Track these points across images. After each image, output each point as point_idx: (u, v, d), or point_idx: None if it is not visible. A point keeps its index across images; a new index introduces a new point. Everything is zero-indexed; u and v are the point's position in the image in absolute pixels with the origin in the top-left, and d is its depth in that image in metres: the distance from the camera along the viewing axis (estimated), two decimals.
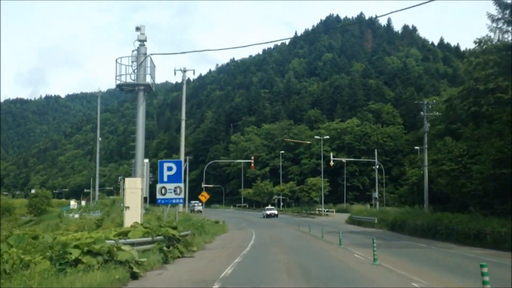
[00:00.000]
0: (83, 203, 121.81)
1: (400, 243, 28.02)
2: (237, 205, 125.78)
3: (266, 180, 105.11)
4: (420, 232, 33.38)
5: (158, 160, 30.34)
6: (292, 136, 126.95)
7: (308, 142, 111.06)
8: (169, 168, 28.62)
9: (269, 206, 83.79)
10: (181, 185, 28.21)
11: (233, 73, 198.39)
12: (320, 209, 73.41)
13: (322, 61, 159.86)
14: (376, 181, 64.13)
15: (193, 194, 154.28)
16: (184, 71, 42.56)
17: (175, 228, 19.68)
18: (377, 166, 63.59)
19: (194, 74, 42.71)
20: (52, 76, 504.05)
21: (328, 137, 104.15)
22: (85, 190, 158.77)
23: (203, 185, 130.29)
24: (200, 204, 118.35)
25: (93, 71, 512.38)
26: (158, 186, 28.24)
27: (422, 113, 46.48)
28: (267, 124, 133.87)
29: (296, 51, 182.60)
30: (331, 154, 63.99)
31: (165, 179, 28.36)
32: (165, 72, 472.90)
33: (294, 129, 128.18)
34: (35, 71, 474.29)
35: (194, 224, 32.10)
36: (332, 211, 74.82)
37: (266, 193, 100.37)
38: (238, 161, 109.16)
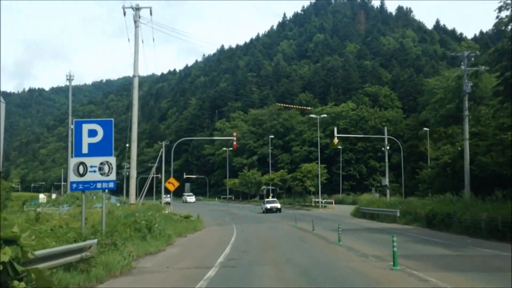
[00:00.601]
0: (54, 196, 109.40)
1: (490, 254, 15.93)
2: (222, 197, 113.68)
3: (253, 169, 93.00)
4: (486, 231, 21.49)
5: (74, 120, 17.91)
6: (282, 121, 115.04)
7: (309, 108, 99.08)
8: (92, 133, 16.53)
9: (270, 198, 68.26)
10: (112, 159, 16.11)
11: (219, 59, 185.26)
12: (317, 200, 61.42)
13: (313, 43, 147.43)
14: (387, 165, 52.34)
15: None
16: (137, 9, 30.16)
17: None
18: (388, 147, 51.61)
19: (151, 14, 29.71)
20: (38, 69, 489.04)
21: (325, 115, 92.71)
22: (57, 183, 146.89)
23: (186, 176, 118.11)
24: (191, 195, 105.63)
25: (79, 64, 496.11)
26: (73, 162, 16.25)
27: (462, 66, 34.48)
28: (254, 109, 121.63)
29: (285, 34, 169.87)
30: (335, 129, 51.40)
31: (85, 150, 16.29)
32: (153, 64, 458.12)
33: (284, 114, 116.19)
34: (21, 64, 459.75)
35: (137, 223, 19.94)
36: (331, 202, 62.97)
37: (253, 183, 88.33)
38: (217, 138, 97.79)
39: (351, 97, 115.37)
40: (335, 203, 65.05)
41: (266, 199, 65.15)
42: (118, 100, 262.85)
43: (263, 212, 54.74)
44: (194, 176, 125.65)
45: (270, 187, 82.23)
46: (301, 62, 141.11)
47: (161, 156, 69.91)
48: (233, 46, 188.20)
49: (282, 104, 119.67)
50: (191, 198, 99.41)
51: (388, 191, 49.97)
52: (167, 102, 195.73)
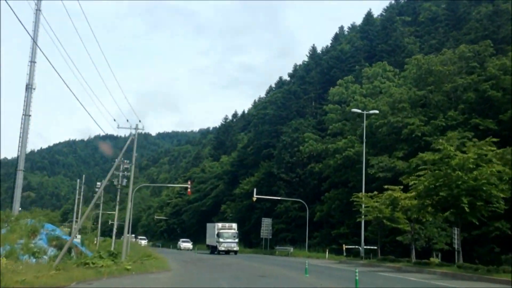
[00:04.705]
0: None
1: None
2: (347, 248, 46.04)
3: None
4: None
5: None
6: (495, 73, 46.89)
7: None
8: None
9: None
10: None
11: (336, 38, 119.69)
12: None
13: None
14: None
15: (244, 217, 72.96)
16: None
17: None
18: None
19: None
20: (149, 118, 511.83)
21: None
22: None
23: (254, 196, 53.54)
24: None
25: (186, 112, 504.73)
26: None
27: None
28: (428, 56, 54.67)
29: None
30: None
31: None
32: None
33: (495, 60, 48.53)
34: (133, 114, 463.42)
35: None
36: None
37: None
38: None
39: None
40: None
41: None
42: (215, 139, 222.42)
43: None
44: (278, 198, 60.05)
45: None
46: None
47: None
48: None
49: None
50: None
51: None
52: (255, 106, 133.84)
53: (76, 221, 59.04)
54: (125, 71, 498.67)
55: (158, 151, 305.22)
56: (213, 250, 57.05)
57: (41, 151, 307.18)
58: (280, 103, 77.26)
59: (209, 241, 61.36)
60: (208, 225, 64.11)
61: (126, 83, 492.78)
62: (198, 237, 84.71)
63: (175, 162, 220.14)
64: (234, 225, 58.71)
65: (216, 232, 56.39)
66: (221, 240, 54.94)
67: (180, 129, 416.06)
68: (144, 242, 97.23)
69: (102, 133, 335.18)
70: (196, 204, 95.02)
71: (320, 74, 78.02)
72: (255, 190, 56.40)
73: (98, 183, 79.37)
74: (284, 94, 78.66)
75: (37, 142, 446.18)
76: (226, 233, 55.92)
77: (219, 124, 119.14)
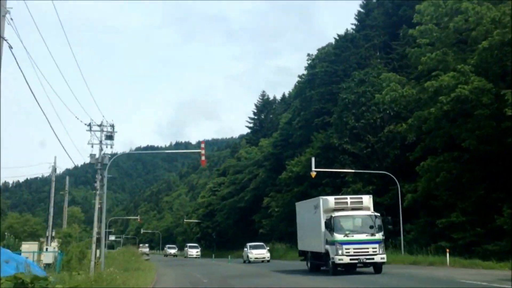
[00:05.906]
0: None
1: None
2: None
3: None
4: None
5: None
6: None
7: None
8: None
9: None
10: None
11: None
12: None
13: None
14: None
15: (294, 211, 54.58)
16: None
17: None
18: None
19: None
20: (189, 128, 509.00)
21: None
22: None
23: (313, 170, 34.11)
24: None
25: (226, 119, 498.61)
26: None
27: None
28: None
29: None
30: None
31: None
32: None
33: None
34: (173, 124, 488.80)
35: None
36: None
37: None
38: None
39: None
40: None
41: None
42: (252, 120, 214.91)
43: None
44: (335, 170, 40.83)
45: None
46: None
47: None
48: None
49: None
50: None
51: None
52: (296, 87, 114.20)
53: (55, 229, 41.78)
54: (163, 81, 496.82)
55: (199, 158, 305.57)
56: (316, 261, 26.14)
57: (84, 166, 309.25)
58: (334, 56, 57.84)
59: (304, 243, 28.71)
60: (299, 204, 31.38)
61: (165, 94, 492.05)
62: (237, 243, 66.65)
63: (215, 167, 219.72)
64: (366, 199, 24.92)
65: (322, 220, 24.08)
66: (338, 238, 22.64)
67: (220, 136, 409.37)
68: (195, 252, 71.21)
69: (143, 145, 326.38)
70: (231, 200, 76.39)
71: (385, 15, 58.30)
72: (313, 160, 36.80)
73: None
74: (339, 43, 59.15)
75: (82, 156, 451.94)
76: (349, 218, 23.63)
77: (256, 101, 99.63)
